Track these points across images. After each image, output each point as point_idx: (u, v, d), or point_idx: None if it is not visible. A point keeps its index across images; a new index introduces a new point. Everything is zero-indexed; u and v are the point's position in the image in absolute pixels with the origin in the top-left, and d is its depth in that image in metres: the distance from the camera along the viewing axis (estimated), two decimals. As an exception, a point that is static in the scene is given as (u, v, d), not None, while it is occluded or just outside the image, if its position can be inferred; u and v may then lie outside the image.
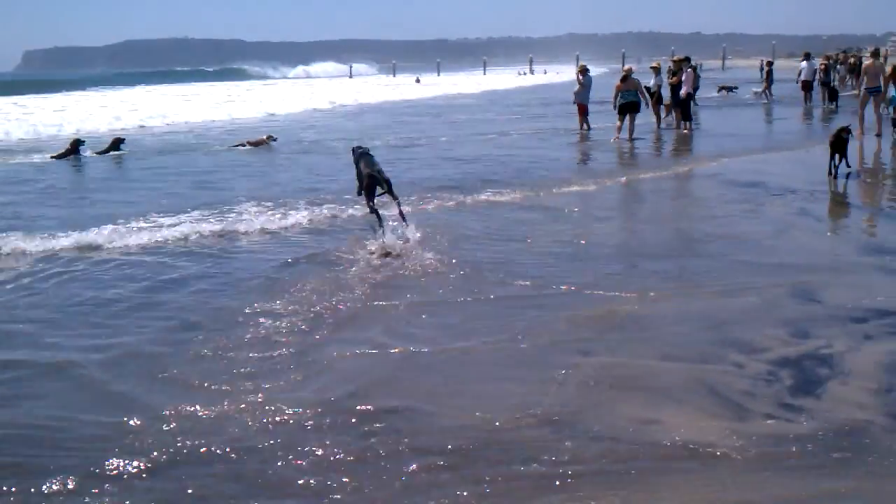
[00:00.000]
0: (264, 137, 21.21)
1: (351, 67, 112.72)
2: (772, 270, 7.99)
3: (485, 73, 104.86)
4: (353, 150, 11.09)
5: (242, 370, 5.76)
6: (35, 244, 9.69)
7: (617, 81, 21.10)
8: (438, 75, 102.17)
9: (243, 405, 5.16)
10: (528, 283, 7.76)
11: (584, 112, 22.51)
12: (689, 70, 22.46)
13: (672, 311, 6.83)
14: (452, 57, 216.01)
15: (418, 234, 9.43)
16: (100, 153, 20.22)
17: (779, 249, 8.95)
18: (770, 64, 36.35)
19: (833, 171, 13.27)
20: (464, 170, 15.56)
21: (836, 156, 13.23)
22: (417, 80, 76.69)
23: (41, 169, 17.91)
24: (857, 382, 5.32)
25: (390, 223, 9.85)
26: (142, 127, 29.21)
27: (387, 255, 8.87)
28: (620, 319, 6.68)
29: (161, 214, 11.42)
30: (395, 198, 10.07)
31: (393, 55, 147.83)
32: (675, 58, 24.63)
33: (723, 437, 4.60)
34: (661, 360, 5.78)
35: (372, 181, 10.12)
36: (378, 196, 10.26)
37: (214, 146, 21.58)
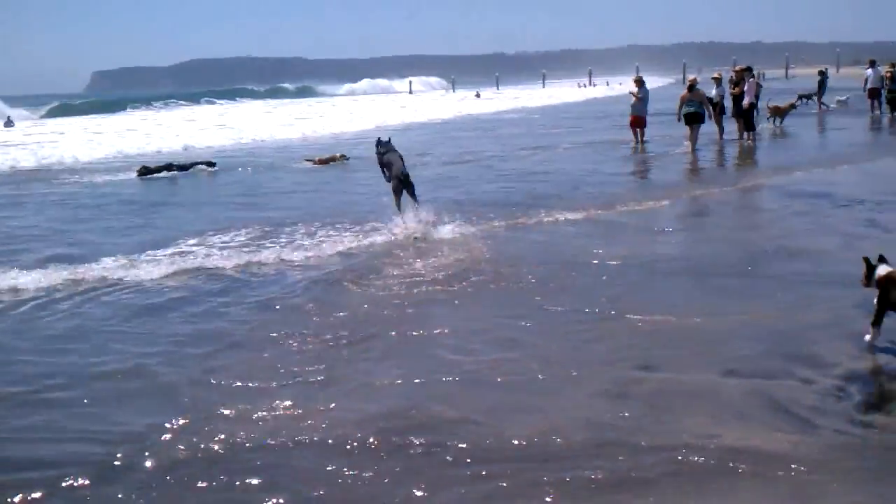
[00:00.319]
0: (337, 155, 21.41)
1: (410, 83, 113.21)
2: (840, 282, 7.84)
3: (543, 87, 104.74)
4: (378, 142, 12.16)
5: (294, 387, 5.86)
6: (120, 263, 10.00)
7: (682, 91, 20.97)
8: (497, 89, 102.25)
9: (308, 420, 5.25)
10: (589, 298, 7.73)
11: (640, 125, 22.30)
12: (751, 80, 22.16)
13: (737, 326, 6.74)
14: (511, 70, 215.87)
15: (433, 217, 10.97)
16: None
17: (846, 261, 8.78)
18: (823, 73, 35.10)
19: None
20: (521, 186, 15.54)
21: None
22: (477, 95, 76.70)
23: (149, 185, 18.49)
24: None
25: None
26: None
27: (413, 239, 10.57)
28: (683, 334, 6.62)
29: (214, 233, 11.83)
30: (415, 199, 11.42)
31: (452, 70, 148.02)
32: (736, 68, 24.26)
33: (788, 449, 4.54)
34: (725, 376, 5.71)
35: (400, 184, 11.39)
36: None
37: (290, 163, 21.86)
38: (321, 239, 11.02)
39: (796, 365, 5.83)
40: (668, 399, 5.34)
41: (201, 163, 21.40)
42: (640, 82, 22.51)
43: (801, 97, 35.31)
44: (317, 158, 21.25)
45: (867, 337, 6.20)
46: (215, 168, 21.08)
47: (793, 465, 4.38)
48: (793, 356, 6.01)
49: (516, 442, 4.82)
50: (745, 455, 4.52)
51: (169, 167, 20.64)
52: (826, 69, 36.43)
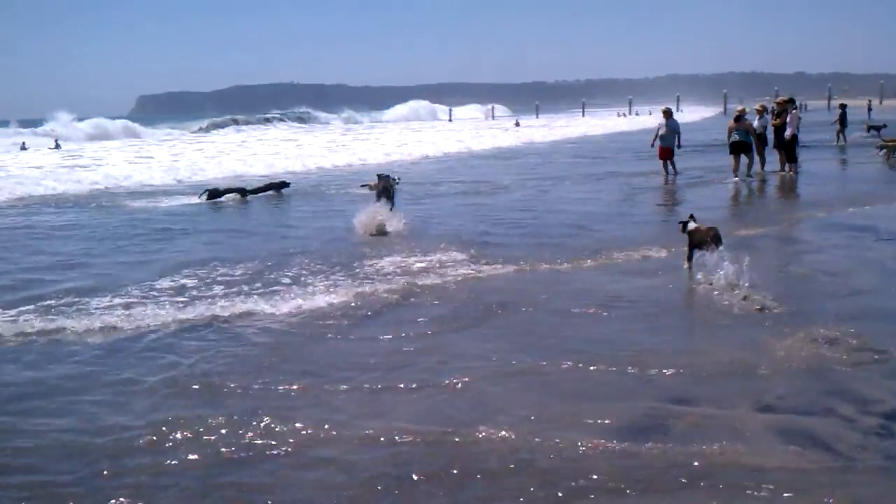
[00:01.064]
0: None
1: (451, 111, 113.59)
2: (879, 317, 7.75)
3: (583, 115, 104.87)
4: (379, 175, 15.90)
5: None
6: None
7: (730, 121, 20.99)
8: (537, 117, 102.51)
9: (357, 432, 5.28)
10: (619, 343, 7.69)
11: (668, 156, 22.12)
12: (793, 111, 22.00)
13: (773, 360, 6.67)
14: (552, 99, 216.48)
15: (403, 222, 13.86)
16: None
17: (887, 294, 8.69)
18: (843, 106, 34.33)
19: None
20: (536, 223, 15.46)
21: None
22: (517, 124, 76.84)
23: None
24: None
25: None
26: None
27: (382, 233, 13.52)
28: (719, 369, 6.57)
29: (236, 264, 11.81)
30: (392, 206, 14.97)
31: (492, 98, 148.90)
32: (778, 99, 24.15)
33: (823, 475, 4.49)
34: (760, 412, 5.64)
35: (384, 192, 15.16)
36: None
37: (343, 189, 21.80)
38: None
39: (839, 401, 5.76)
40: (702, 433, 5.28)
41: (275, 184, 21.26)
42: (668, 114, 22.46)
43: (871, 128, 34.36)
44: (371, 184, 21.24)
45: (685, 266, 10.02)
46: (287, 189, 21.01)
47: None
48: (836, 392, 5.93)
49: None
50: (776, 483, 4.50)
51: (242, 191, 20.36)
52: (845, 104, 35.65)
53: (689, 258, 9.93)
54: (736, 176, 20.34)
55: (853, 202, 15.79)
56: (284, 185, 21.25)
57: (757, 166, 21.50)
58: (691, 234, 9.83)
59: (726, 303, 8.46)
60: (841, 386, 6.05)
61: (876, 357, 6.66)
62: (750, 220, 14.58)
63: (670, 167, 22.07)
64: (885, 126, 34.49)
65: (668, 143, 22.09)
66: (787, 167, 21.57)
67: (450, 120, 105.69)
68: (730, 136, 20.69)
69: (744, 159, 20.69)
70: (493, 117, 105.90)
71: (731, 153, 20.66)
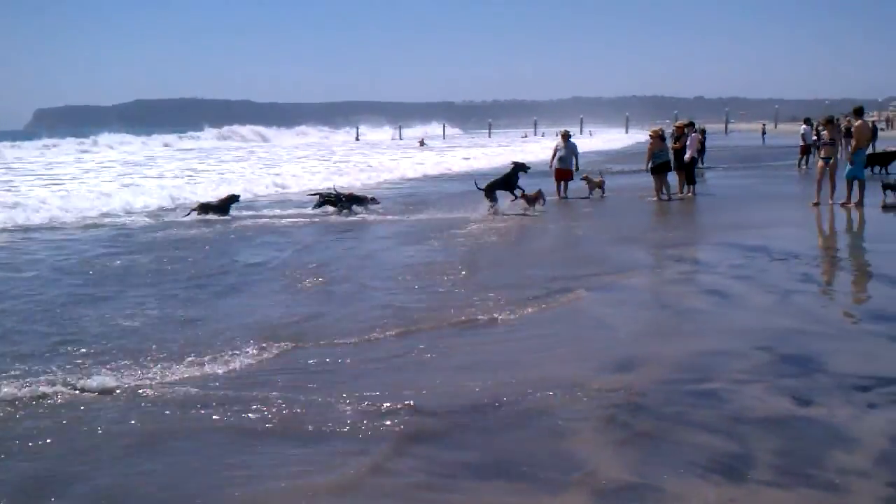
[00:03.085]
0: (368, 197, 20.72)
1: (357, 129, 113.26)
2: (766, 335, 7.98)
3: (490, 136, 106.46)
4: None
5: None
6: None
7: (650, 142, 21.50)
8: (444, 138, 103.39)
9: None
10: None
11: (566, 178, 22.36)
12: (693, 134, 22.64)
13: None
14: (460, 119, 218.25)
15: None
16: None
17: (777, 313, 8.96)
18: (703, 133, 34.23)
19: None
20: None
21: None
22: (421, 143, 76.65)
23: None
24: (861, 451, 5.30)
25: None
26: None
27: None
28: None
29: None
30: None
31: (401, 117, 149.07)
32: (678, 123, 24.83)
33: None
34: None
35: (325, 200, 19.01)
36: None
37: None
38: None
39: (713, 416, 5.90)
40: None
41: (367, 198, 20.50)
42: (566, 136, 23.11)
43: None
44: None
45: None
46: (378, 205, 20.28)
47: None
48: (723, 414, 6.07)
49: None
50: None
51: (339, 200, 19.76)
52: (704, 129, 36.05)
53: None
54: (661, 195, 21.01)
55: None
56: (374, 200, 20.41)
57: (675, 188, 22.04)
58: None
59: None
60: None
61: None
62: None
63: (563, 188, 22.39)
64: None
65: (567, 164, 22.44)
66: (686, 188, 22.13)
67: (357, 139, 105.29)
68: (651, 157, 21.23)
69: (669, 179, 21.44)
70: (400, 137, 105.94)
71: (653, 173, 21.24)
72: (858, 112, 18.99)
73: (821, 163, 18.97)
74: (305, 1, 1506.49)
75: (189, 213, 19.48)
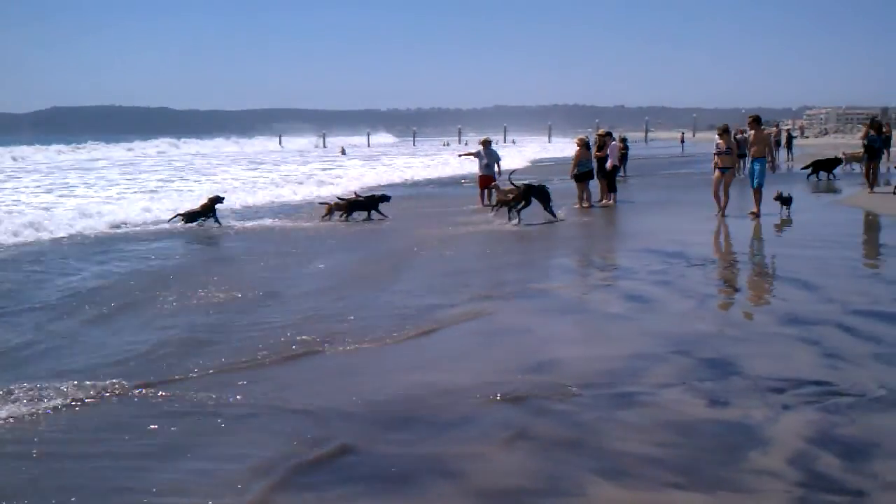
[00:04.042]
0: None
1: (281, 137, 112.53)
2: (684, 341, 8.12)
3: (414, 144, 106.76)
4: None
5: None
6: None
7: (576, 150, 21.79)
8: (369, 146, 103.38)
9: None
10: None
11: (490, 184, 21.98)
12: (613, 143, 23.01)
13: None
14: (384, 126, 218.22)
15: None
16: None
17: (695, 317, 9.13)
18: (624, 141, 33.33)
19: None
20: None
21: None
22: (343, 151, 76.27)
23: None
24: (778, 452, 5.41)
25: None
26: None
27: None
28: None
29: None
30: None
31: (324, 125, 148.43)
32: (600, 131, 25.23)
33: None
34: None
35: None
36: None
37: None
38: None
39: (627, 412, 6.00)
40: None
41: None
42: (487, 143, 23.29)
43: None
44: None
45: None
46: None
47: None
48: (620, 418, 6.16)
49: None
50: None
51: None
52: (626, 138, 36.68)
53: None
54: (582, 204, 21.28)
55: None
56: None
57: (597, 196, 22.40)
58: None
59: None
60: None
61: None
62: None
63: (486, 195, 22.30)
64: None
65: (490, 171, 22.59)
66: (607, 196, 22.45)
67: (280, 145, 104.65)
68: (576, 165, 21.46)
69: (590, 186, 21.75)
70: (324, 146, 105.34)
71: (577, 181, 21.47)
72: (756, 121, 18.83)
73: (717, 173, 18.60)
74: (225, 8, 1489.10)
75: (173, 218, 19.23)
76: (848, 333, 8.23)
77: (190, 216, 19.09)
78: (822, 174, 29.02)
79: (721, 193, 18.40)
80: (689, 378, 6.91)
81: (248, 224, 19.28)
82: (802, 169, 30.05)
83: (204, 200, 19.89)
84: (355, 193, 21.84)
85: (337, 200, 20.25)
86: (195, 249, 15.91)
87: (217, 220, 18.99)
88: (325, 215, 19.58)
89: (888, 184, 23.78)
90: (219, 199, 19.76)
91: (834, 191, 25.38)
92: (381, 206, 20.10)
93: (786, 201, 17.81)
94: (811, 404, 6.24)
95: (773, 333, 8.45)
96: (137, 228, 18.76)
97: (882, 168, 25.79)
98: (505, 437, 5.77)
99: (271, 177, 37.45)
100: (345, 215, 19.47)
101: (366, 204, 20.10)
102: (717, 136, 19.09)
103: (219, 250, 15.88)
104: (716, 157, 18.57)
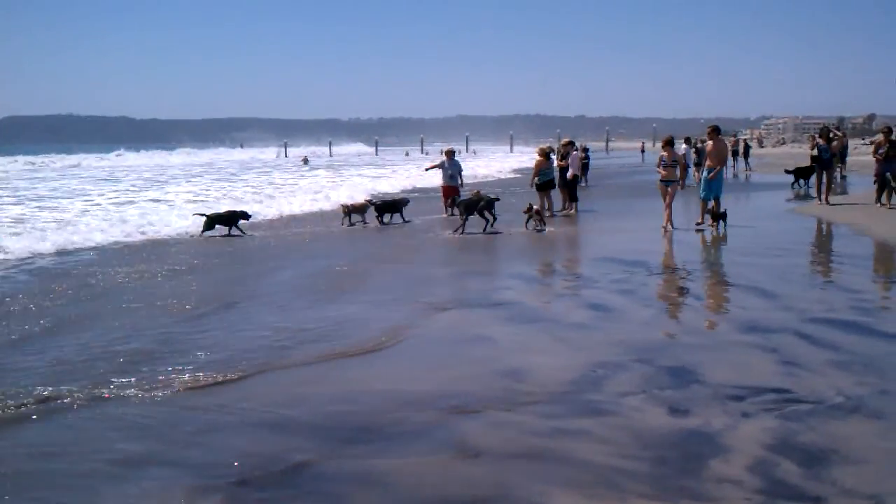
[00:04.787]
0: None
1: (241, 145, 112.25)
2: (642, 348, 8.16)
3: (377, 153, 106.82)
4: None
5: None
6: None
7: (538, 159, 21.85)
8: (331, 155, 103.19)
9: None
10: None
11: (454, 194, 22.13)
12: (574, 153, 23.20)
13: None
14: (347, 135, 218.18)
15: None
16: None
17: (656, 325, 9.18)
18: (585, 151, 33.48)
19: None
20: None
21: None
22: (305, 161, 76.24)
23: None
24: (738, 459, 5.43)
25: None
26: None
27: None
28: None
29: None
30: None
31: (285, 134, 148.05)
32: (563, 141, 25.49)
33: None
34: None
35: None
36: None
37: None
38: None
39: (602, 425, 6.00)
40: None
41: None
42: (451, 154, 23.59)
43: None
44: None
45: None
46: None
47: None
48: (601, 423, 6.17)
49: None
50: None
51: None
52: (587, 148, 36.78)
53: None
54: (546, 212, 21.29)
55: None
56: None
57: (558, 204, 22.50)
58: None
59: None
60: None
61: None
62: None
63: (450, 204, 22.35)
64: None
65: (454, 182, 22.77)
66: (567, 205, 22.58)
67: (241, 146, 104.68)
68: (537, 174, 21.54)
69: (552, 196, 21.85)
70: (286, 155, 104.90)
71: (539, 190, 21.55)
72: (715, 131, 18.78)
73: (661, 186, 18.42)
74: (186, 15, 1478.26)
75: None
76: (805, 341, 8.33)
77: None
78: (802, 182, 29.35)
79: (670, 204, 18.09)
80: (651, 386, 6.93)
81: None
82: (787, 172, 30.50)
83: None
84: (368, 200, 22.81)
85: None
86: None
87: None
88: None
89: (845, 192, 23.98)
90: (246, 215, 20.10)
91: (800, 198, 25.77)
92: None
93: (720, 217, 17.61)
94: (770, 412, 6.28)
95: (733, 341, 8.51)
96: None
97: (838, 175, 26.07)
98: (463, 447, 5.74)
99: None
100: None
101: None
102: (661, 149, 19.02)
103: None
104: (660, 169, 18.42)
